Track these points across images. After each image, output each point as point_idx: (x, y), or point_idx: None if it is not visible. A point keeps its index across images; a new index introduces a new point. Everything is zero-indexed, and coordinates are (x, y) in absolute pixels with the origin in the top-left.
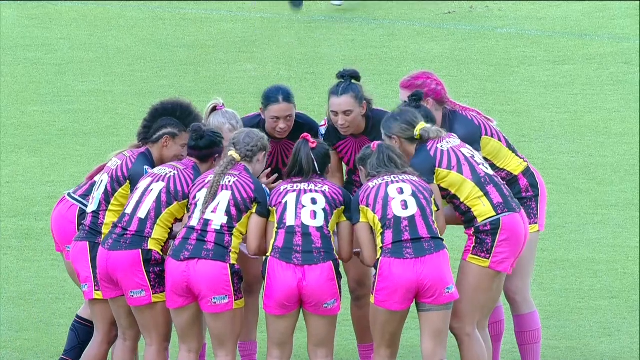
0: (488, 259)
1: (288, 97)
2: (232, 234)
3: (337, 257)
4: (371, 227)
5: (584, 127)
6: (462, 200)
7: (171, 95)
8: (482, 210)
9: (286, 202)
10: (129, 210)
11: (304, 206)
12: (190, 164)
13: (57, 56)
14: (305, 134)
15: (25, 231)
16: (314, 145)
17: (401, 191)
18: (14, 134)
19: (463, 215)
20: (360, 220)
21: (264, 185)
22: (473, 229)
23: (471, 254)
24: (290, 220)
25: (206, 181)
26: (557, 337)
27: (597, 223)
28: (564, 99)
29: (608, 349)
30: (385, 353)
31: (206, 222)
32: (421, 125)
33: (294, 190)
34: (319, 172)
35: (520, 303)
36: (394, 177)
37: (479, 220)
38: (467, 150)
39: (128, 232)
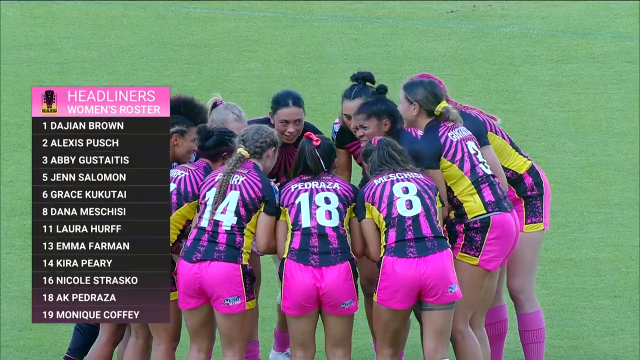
0: (477, 256)
1: (298, 102)
2: (243, 234)
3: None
4: (375, 223)
5: (587, 126)
6: (455, 194)
7: (174, 95)
8: (473, 207)
9: (299, 203)
10: None
11: (318, 206)
12: (202, 164)
13: (60, 55)
14: (308, 132)
15: (28, 230)
16: (317, 144)
17: (406, 190)
18: (16, 133)
19: (455, 209)
20: (366, 216)
21: (272, 183)
22: (463, 225)
23: (461, 251)
24: (305, 221)
25: (216, 180)
26: (560, 336)
27: (600, 222)
28: (567, 97)
29: (611, 348)
30: (387, 352)
31: (216, 223)
32: (444, 104)
33: (305, 190)
34: (325, 170)
35: (523, 302)
36: (399, 175)
37: (469, 216)
38: (472, 145)
39: None
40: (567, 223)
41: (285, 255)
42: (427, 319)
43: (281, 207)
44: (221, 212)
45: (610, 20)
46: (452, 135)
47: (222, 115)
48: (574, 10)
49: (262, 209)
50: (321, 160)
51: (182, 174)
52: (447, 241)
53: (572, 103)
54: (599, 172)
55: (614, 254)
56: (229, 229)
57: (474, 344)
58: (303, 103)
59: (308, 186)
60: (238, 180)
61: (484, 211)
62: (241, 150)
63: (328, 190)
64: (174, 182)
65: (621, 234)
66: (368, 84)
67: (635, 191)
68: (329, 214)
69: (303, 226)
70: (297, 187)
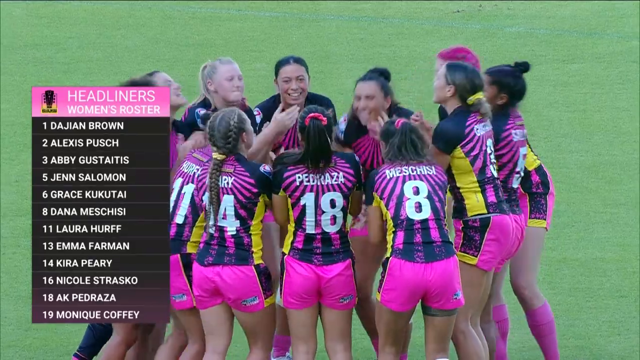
0: (476, 256)
1: (298, 60)
2: (250, 233)
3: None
4: (381, 210)
5: (592, 125)
6: (457, 185)
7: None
8: (475, 204)
9: (304, 205)
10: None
11: (323, 212)
12: (210, 152)
13: (66, 55)
14: (313, 113)
15: None
16: (326, 123)
17: (417, 191)
18: (23, 133)
19: (456, 202)
20: (373, 204)
21: (261, 169)
22: (462, 222)
23: (460, 251)
24: (310, 228)
25: (207, 184)
26: (566, 336)
27: (606, 222)
28: (573, 97)
29: (617, 347)
30: (390, 350)
31: (221, 229)
32: (479, 95)
33: (311, 189)
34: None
35: (531, 297)
36: (412, 171)
37: (469, 214)
38: (490, 143)
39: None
40: (572, 223)
41: (287, 252)
42: (429, 323)
43: (285, 192)
44: (222, 218)
45: (616, 20)
46: (478, 130)
47: (211, 66)
48: (580, 10)
49: (262, 200)
50: (328, 139)
51: (197, 169)
52: (453, 245)
53: (577, 103)
54: (605, 172)
55: (620, 253)
56: (234, 232)
57: (476, 343)
58: (305, 64)
59: (314, 181)
60: (228, 183)
61: (485, 211)
62: (216, 156)
63: (333, 187)
64: (192, 182)
65: (627, 234)
66: (382, 77)
67: None
68: (333, 220)
69: (307, 232)
70: (302, 181)
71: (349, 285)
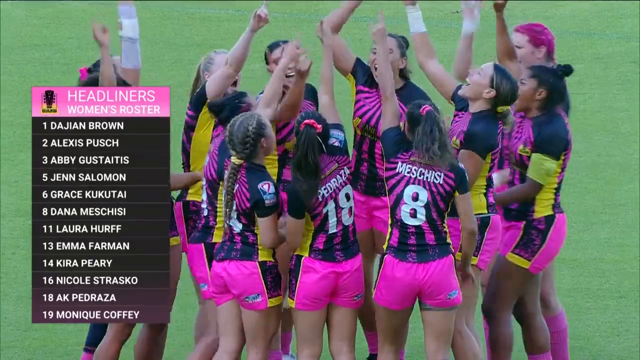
0: (477, 256)
1: (287, 42)
2: (256, 233)
3: None
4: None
5: (592, 126)
6: None
7: (179, 96)
8: (477, 204)
9: (327, 212)
10: (202, 206)
11: (342, 208)
12: (219, 142)
13: (65, 55)
14: (309, 120)
15: None
16: (320, 130)
17: (416, 197)
18: (22, 134)
19: None
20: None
21: (259, 187)
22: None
23: (459, 251)
24: (332, 227)
25: (224, 186)
26: None
27: (605, 222)
28: (572, 98)
29: (616, 348)
30: (389, 349)
31: (231, 227)
32: (508, 107)
33: (331, 196)
34: (325, 151)
35: (554, 303)
36: (420, 174)
37: None
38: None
39: (198, 226)
40: (572, 223)
41: (306, 254)
42: (427, 320)
43: (307, 212)
44: (230, 217)
45: (615, 20)
46: (500, 138)
47: (207, 59)
48: (579, 10)
49: (255, 216)
50: (323, 146)
51: (207, 161)
52: (450, 246)
53: (577, 103)
54: (604, 173)
55: (619, 254)
56: (239, 231)
57: (473, 344)
58: None
59: (330, 188)
60: (235, 188)
61: (485, 211)
62: (234, 160)
63: (345, 183)
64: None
65: (627, 235)
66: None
67: None
68: (350, 212)
69: (330, 232)
70: (323, 195)
71: (362, 282)
